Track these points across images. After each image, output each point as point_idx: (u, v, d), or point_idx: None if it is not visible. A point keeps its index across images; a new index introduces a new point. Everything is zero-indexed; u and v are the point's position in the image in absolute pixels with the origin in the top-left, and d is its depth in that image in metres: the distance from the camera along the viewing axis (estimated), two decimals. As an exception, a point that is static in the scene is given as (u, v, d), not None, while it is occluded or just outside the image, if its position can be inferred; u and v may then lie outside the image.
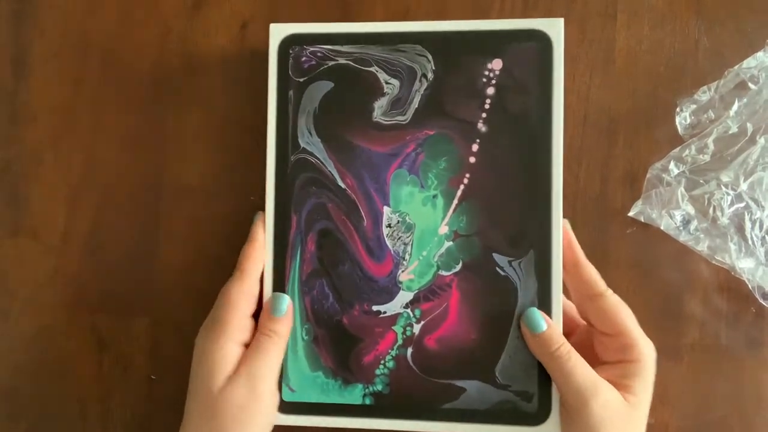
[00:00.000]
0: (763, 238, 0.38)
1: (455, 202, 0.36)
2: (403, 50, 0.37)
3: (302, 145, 0.37)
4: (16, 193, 0.41)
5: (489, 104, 0.36)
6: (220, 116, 0.41)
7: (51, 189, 0.41)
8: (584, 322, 0.37)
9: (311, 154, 0.37)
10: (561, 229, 0.36)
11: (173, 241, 0.41)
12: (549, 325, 0.35)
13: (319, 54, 0.37)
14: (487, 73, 0.36)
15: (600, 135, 0.40)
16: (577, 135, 0.40)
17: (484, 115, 0.36)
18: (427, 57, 0.37)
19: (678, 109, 0.39)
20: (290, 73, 0.37)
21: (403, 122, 0.37)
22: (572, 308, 0.38)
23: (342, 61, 0.37)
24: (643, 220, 0.39)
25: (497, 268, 0.36)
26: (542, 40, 0.36)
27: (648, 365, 0.34)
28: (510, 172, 0.36)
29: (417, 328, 0.36)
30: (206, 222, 0.41)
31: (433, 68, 0.37)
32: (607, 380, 0.33)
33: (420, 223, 0.36)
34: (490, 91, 0.36)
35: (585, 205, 0.40)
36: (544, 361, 0.34)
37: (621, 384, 0.33)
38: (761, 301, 0.38)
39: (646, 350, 0.34)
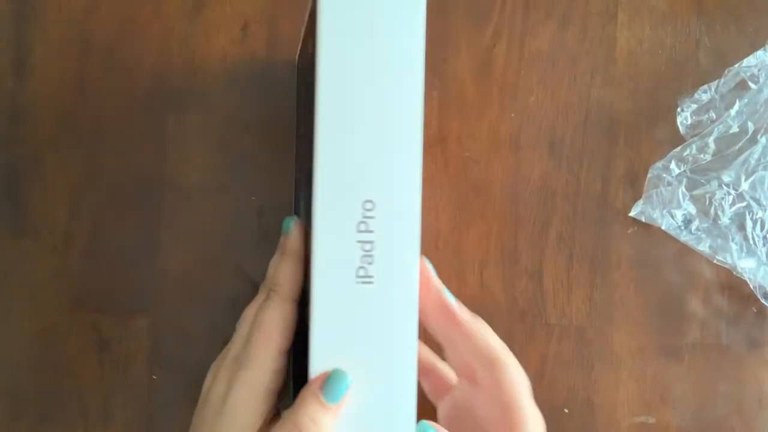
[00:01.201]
0: (765, 237, 0.38)
1: None
2: None
3: None
4: (17, 194, 0.41)
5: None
6: (220, 116, 0.41)
7: (52, 189, 0.41)
8: (455, 379, 0.33)
9: None
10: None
11: (174, 241, 0.41)
12: None
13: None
14: None
15: (601, 135, 0.40)
16: (577, 135, 0.40)
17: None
18: None
19: (679, 109, 0.39)
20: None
21: None
22: (444, 366, 0.33)
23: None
24: (644, 220, 0.39)
25: None
26: None
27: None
28: None
29: None
30: (207, 222, 0.41)
31: None
32: None
33: None
34: None
35: (586, 205, 0.40)
36: None
37: None
38: (762, 300, 0.38)
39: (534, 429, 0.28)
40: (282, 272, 0.29)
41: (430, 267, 0.29)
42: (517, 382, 0.28)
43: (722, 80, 0.39)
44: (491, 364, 0.28)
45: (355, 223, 0.26)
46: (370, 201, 0.26)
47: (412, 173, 0.26)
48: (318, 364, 0.26)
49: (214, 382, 0.28)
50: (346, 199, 0.26)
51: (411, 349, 0.26)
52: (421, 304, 0.27)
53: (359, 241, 0.26)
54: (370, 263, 0.26)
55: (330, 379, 0.25)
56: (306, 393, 0.25)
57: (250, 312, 0.30)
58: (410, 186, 0.26)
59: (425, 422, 0.28)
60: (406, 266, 0.26)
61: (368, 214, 0.26)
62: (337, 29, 0.26)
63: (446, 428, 0.29)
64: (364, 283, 0.26)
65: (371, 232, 0.26)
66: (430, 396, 0.35)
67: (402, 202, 0.26)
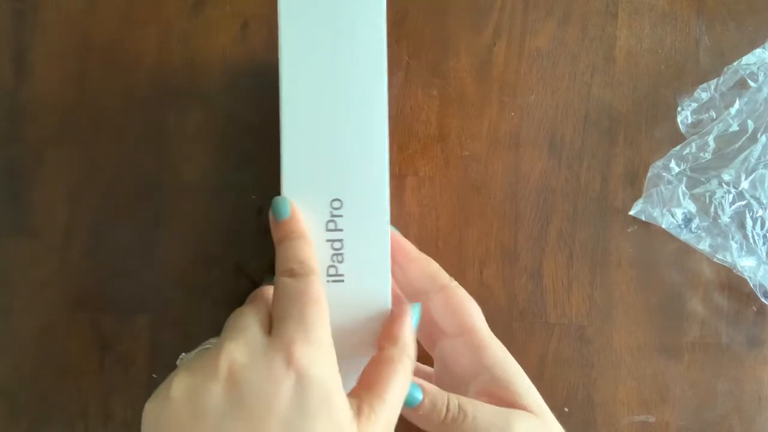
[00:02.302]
0: (765, 236, 0.38)
1: None
2: None
3: None
4: (17, 193, 0.41)
5: None
6: (220, 116, 0.41)
7: (52, 188, 0.41)
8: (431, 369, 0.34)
9: None
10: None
11: (174, 240, 0.41)
12: (425, 392, 0.27)
13: None
14: None
15: (601, 134, 0.40)
16: (577, 134, 0.40)
17: None
18: None
19: (679, 108, 0.39)
20: None
21: None
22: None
23: None
24: (644, 219, 0.39)
25: None
26: None
27: (508, 368, 0.29)
28: None
29: None
30: (206, 221, 0.41)
31: None
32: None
33: None
34: None
35: (586, 204, 0.40)
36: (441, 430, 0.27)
37: (510, 401, 0.29)
38: (762, 299, 0.38)
39: (497, 352, 0.29)
40: (302, 251, 0.26)
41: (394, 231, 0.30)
42: (467, 302, 0.30)
43: (722, 79, 0.39)
44: (441, 288, 0.30)
45: (323, 221, 0.26)
46: (338, 200, 0.26)
47: (380, 171, 0.26)
48: None
49: (267, 379, 0.23)
50: (313, 198, 0.26)
51: None
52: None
53: (329, 240, 0.26)
54: (340, 261, 0.26)
55: (411, 311, 0.27)
56: (397, 328, 0.27)
57: (261, 291, 0.28)
58: (378, 183, 0.27)
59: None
60: (376, 264, 0.27)
61: (336, 212, 0.26)
62: (298, 28, 0.26)
63: None
64: (335, 281, 0.26)
65: (340, 230, 0.26)
66: None
67: (370, 200, 0.27)
